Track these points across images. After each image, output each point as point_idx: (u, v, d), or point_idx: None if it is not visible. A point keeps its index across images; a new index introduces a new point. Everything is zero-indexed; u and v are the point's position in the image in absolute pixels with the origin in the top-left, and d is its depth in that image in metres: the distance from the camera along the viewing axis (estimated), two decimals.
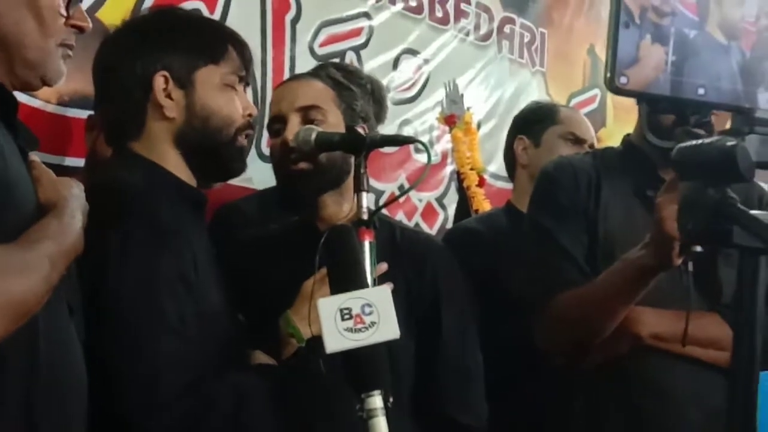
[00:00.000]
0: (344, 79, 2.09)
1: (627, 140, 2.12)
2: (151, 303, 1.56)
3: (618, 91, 1.25)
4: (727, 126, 1.36)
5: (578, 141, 2.76)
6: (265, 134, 2.88)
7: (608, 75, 1.23)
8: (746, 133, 1.29)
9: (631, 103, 1.68)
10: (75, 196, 1.40)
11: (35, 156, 1.45)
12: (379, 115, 2.23)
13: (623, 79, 1.24)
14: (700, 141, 1.28)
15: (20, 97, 1.65)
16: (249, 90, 2.79)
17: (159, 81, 1.73)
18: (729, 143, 1.23)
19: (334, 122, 1.97)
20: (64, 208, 1.36)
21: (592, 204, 2.00)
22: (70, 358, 1.41)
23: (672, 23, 1.30)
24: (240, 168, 1.85)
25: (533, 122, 2.82)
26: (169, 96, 1.74)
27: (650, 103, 1.45)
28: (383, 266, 1.88)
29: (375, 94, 2.26)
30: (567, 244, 1.97)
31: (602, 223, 1.98)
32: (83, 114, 2.29)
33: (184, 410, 1.54)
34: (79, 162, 2.27)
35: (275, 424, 1.67)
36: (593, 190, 2.01)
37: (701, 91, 1.28)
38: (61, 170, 1.86)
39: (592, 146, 2.81)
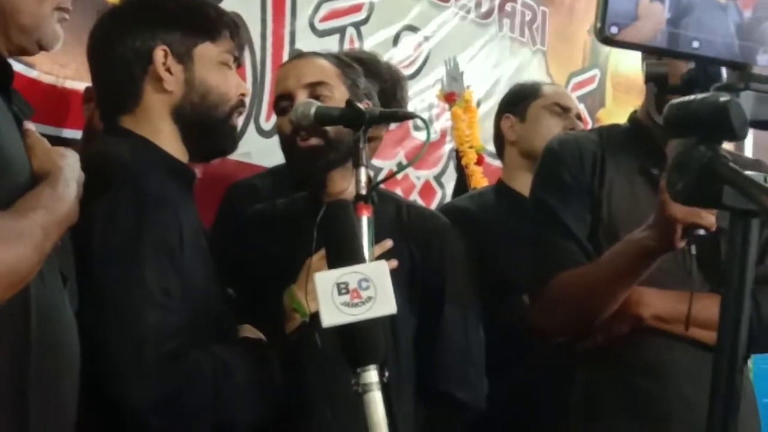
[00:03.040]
0: (346, 57, 2.10)
1: (633, 117, 2.09)
2: (134, 273, 1.57)
3: (608, 41, 1.18)
4: None
5: (564, 110, 2.76)
6: (264, 109, 2.88)
7: (598, 25, 1.16)
8: (741, 89, 1.21)
9: (629, 83, 1.67)
10: (69, 165, 1.40)
11: (30, 124, 1.44)
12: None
13: (614, 29, 1.16)
14: (692, 96, 1.22)
15: (17, 66, 1.65)
16: (248, 64, 2.81)
17: (159, 54, 1.75)
18: (722, 98, 1.17)
19: (340, 98, 1.96)
20: (58, 177, 1.36)
21: (596, 182, 1.98)
22: (62, 327, 1.40)
23: None
24: (232, 145, 1.87)
25: (517, 100, 2.83)
26: (168, 70, 1.75)
27: (648, 53, 1.38)
28: (388, 242, 1.89)
29: (396, 93, 2.26)
30: (570, 222, 1.95)
31: (606, 202, 1.96)
32: (81, 86, 2.28)
33: (165, 381, 1.55)
34: (77, 134, 2.26)
35: (259, 398, 1.69)
36: (598, 168, 1.99)
37: (696, 44, 1.21)
38: (60, 142, 1.86)
39: (578, 116, 2.81)
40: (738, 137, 1.19)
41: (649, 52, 1.31)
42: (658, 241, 1.71)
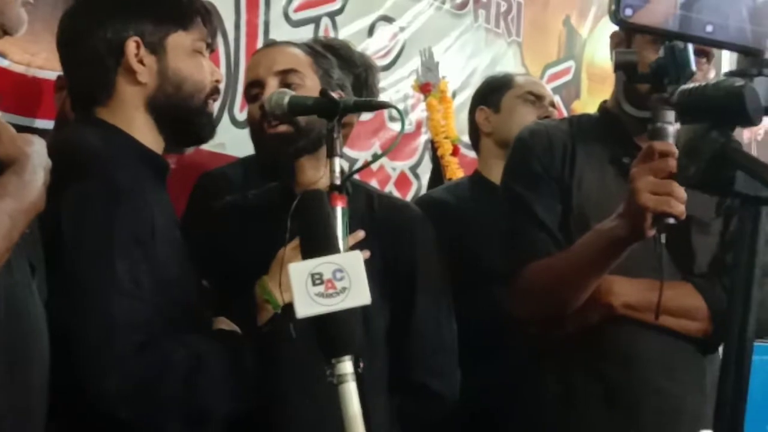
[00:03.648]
0: (321, 48, 2.09)
1: (603, 107, 2.10)
2: (103, 263, 1.56)
3: (623, 23, 1.17)
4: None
5: (538, 98, 2.77)
6: (238, 100, 2.86)
7: (612, 7, 1.15)
8: (755, 75, 1.20)
9: (604, 74, 1.67)
10: (36, 153, 1.38)
11: None
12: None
13: (628, 11, 1.15)
14: (704, 82, 1.21)
15: None
16: (222, 53, 2.79)
17: (131, 46, 1.73)
18: (737, 83, 1.16)
19: (312, 86, 1.96)
20: (24, 164, 1.33)
21: (566, 172, 1.98)
22: (30, 317, 1.39)
23: None
24: (210, 133, 1.86)
25: (490, 91, 2.84)
26: (141, 61, 1.74)
27: (661, 37, 1.35)
28: (360, 233, 1.88)
29: (368, 80, 2.26)
30: (540, 212, 1.96)
31: (576, 192, 1.97)
32: (52, 75, 2.26)
33: (137, 371, 1.54)
34: (49, 124, 2.24)
35: (232, 389, 1.68)
36: (568, 157, 1.99)
37: (709, 28, 1.19)
38: (31, 132, 1.84)
39: (552, 104, 2.82)
40: (752, 123, 1.18)
41: (662, 35, 1.29)
42: (628, 230, 1.72)
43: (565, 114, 4.13)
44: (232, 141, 2.73)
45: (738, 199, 1.18)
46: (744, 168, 1.15)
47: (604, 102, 2.11)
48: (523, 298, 1.97)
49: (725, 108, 1.17)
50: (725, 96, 1.16)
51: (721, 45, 1.23)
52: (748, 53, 1.22)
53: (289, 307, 1.73)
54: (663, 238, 1.73)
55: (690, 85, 1.24)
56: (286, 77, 1.97)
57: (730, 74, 1.21)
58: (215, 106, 1.88)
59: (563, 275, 1.88)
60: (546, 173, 1.98)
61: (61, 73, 2.11)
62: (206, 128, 1.84)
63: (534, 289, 1.93)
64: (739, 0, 1.22)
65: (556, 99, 2.92)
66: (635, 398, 1.91)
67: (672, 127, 1.64)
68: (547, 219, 1.96)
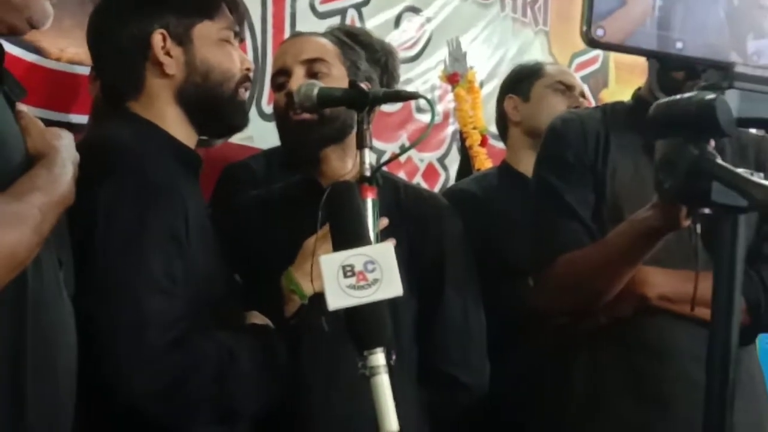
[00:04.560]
0: (348, 38, 2.08)
1: (637, 95, 2.06)
2: (138, 259, 1.55)
3: (594, 44, 1.21)
4: None
5: (568, 88, 2.75)
6: (266, 93, 2.86)
7: (583, 28, 1.19)
8: (725, 88, 1.24)
9: (633, 62, 1.66)
10: (65, 146, 1.38)
11: (23, 106, 1.42)
12: (390, 85, 2.21)
13: (599, 32, 1.19)
14: (678, 96, 1.25)
15: (16, 51, 1.64)
16: (249, 46, 2.80)
17: (157, 39, 1.73)
18: (708, 97, 1.19)
19: (338, 76, 1.96)
20: (54, 158, 1.34)
21: (600, 161, 1.95)
22: (58, 312, 1.39)
23: None
24: (242, 122, 1.85)
25: (520, 80, 2.81)
26: (168, 53, 1.74)
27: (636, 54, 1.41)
28: (384, 221, 1.87)
29: (389, 64, 2.25)
30: (573, 202, 1.93)
31: (610, 181, 1.94)
32: (81, 70, 2.28)
33: (169, 367, 1.53)
34: (82, 119, 2.26)
35: (264, 385, 1.67)
36: (601, 146, 1.96)
37: (679, 45, 1.24)
38: (64, 127, 1.85)
39: (582, 94, 2.79)
40: (725, 134, 1.21)
41: (632, 53, 1.32)
42: (662, 220, 1.69)
43: (593, 103, 4.10)
44: (260, 134, 2.73)
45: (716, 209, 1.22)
46: (719, 179, 1.19)
47: (638, 89, 2.08)
48: (555, 290, 1.95)
49: (698, 121, 1.20)
50: (697, 110, 1.20)
51: (692, 61, 1.26)
52: (718, 68, 1.25)
53: (315, 298, 1.74)
54: (698, 228, 1.71)
55: (664, 99, 1.27)
56: (312, 66, 1.97)
57: (703, 88, 1.25)
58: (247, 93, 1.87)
59: (596, 266, 1.85)
60: (579, 163, 1.96)
61: (90, 67, 2.13)
62: (238, 116, 1.83)
63: (566, 280, 1.91)
64: (707, 16, 1.25)
65: (584, 88, 2.89)
66: (668, 391, 1.88)
67: None
68: (580, 209, 1.93)
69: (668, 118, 1.24)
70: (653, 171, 1.82)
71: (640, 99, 2.04)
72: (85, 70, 2.27)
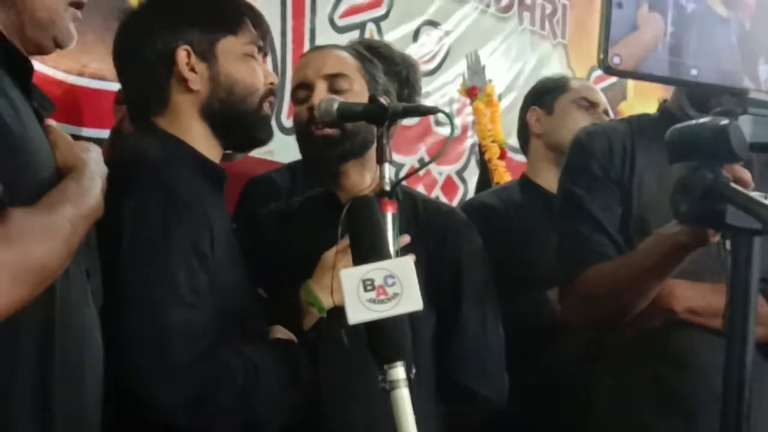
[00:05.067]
0: (368, 52, 2.09)
1: (663, 107, 2.06)
2: (163, 272, 1.57)
3: (610, 71, 1.24)
4: None
5: (592, 105, 2.74)
6: (286, 107, 2.87)
7: (601, 56, 1.23)
8: (739, 114, 1.29)
9: None
10: (93, 160, 1.40)
11: (52, 120, 1.44)
12: (411, 98, 2.21)
13: (616, 59, 1.23)
14: (693, 122, 1.29)
15: (39, 66, 1.65)
16: (269, 60, 2.81)
17: (181, 55, 1.75)
18: (722, 122, 1.23)
19: (359, 91, 1.96)
20: (82, 171, 1.36)
21: (626, 173, 1.94)
22: (85, 324, 1.40)
23: None
24: (267, 136, 1.86)
25: (544, 93, 2.81)
26: (192, 69, 1.76)
27: (650, 81, 1.45)
28: (406, 238, 1.88)
29: (410, 78, 2.25)
30: (600, 215, 1.92)
31: (637, 194, 1.93)
32: (103, 85, 2.30)
33: (193, 380, 1.54)
34: (100, 133, 2.27)
35: (288, 398, 1.68)
36: (628, 158, 1.95)
37: (694, 71, 1.28)
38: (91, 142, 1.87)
39: (606, 111, 2.78)
40: (739, 159, 1.26)
41: (649, 80, 1.36)
42: (691, 236, 1.67)
43: (612, 116, 4.09)
44: (280, 148, 2.74)
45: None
46: (734, 202, 1.23)
47: (664, 102, 2.07)
48: (583, 302, 1.93)
49: (712, 146, 1.25)
50: (711, 135, 1.25)
51: (707, 87, 1.31)
52: (733, 93, 1.30)
53: (334, 311, 1.75)
54: (728, 244, 1.70)
55: (680, 124, 1.31)
56: (334, 81, 1.98)
57: (718, 113, 1.30)
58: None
59: (624, 280, 1.84)
60: (605, 174, 1.95)
61: (116, 83, 2.15)
62: (263, 130, 1.84)
63: (594, 293, 1.90)
64: (721, 43, 1.28)
65: (608, 106, 2.88)
66: (693, 403, 1.87)
67: None
68: (607, 222, 1.92)
69: (684, 143, 1.29)
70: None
71: (666, 111, 2.03)
72: (107, 85, 2.29)
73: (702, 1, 1.30)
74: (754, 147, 1.28)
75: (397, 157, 3.19)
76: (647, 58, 1.26)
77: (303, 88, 2.01)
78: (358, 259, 1.36)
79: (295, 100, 2.05)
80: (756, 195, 1.21)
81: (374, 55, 2.12)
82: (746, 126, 1.26)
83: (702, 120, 1.27)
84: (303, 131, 2.00)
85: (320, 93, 1.95)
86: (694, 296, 1.86)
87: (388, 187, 1.71)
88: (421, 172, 3.34)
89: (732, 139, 1.22)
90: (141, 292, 1.55)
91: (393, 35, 3.28)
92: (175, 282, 1.56)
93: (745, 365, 1.23)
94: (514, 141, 3.00)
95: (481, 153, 3.36)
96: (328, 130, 1.93)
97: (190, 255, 1.60)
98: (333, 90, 1.96)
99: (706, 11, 1.30)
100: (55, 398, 1.32)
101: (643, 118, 2.10)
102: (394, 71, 2.35)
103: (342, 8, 3.14)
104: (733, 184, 1.24)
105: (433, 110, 2.09)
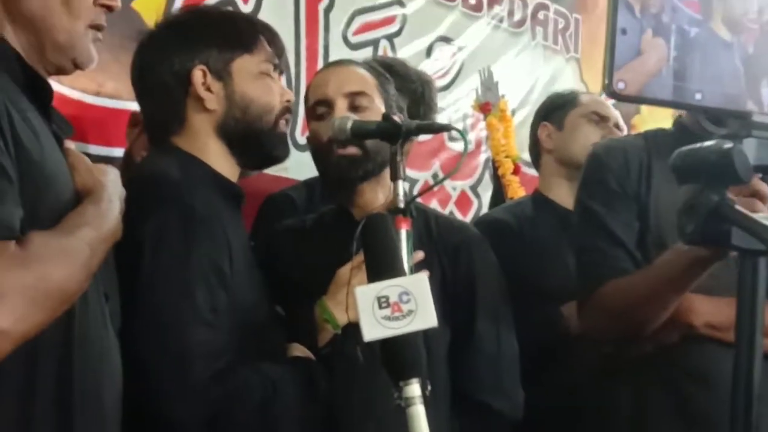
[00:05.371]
0: (383, 69, 2.10)
1: (679, 122, 2.05)
2: (183, 291, 1.58)
3: (615, 96, 1.27)
4: None
5: (602, 119, 2.74)
6: (300, 124, 2.89)
7: (605, 81, 1.26)
8: (744, 137, 1.32)
9: None
10: (112, 182, 1.41)
11: (70, 143, 1.45)
12: (427, 115, 2.21)
13: (621, 85, 1.26)
14: (698, 145, 1.31)
15: (55, 86, 1.66)
16: (283, 78, 2.83)
17: (197, 75, 1.77)
18: (726, 146, 1.26)
19: (378, 109, 1.96)
20: (101, 193, 1.37)
21: (643, 188, 1.94)
22: (104, 346, 1.41)
23: (673, 20, 1.31)
24: (284, 153, 1.88)
25: (555, 108, 2.81)
26: (208, 89, 1.77)
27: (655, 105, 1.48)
28: (419, 254, 1.88)
29: (425, 95, 2.25)
30: (617, 229, 1.92)
31: (653, 209, 1.93)
32: (119, 105, 2.31)
33: (213, 399, 1.55)
34: (107, 151, 2.29)
35: (306, 417, 1.69)
36: (644, 174, 1.95)
37: (698, 96, 1.31)
38: (101, 160, 1.88)
39: (617, 125, 2.78)
40: (743, 181, 1.29)
41: (654, 104, 1.38)
42: (709, 250, 1.68)
43: (625, 130, 4.09)
44: (294, 165, 2.74)
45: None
46: (738, 224, 1.26)
47: (679, 117, 2.07)
48: (600, 317, 1.93)
49: (717, 169, 1.28)
50: (716, 158, 1.27)
51: (711, 111, 1.33)
52: (737, 117, 1.33)
53: (349, 328, 1.75)
54: None
55: (685, 147, 1.34)
56: (355, 99, 1.97)
57: (723, 137, 1.33)
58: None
59: (643, 295, 1.84)
60: (622, 189, 1.95)
61: (131, 102, 2.16)
62: (279, 148, 1.86)
63: (612, 308, 1.89)
64: (725, 66, 1.31)
65: (619, 119, 2.88)
66: (713, 417, 1.85)
67: None
68: (625, 236, 1.92)
69: (689, 165, 1.31)
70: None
71: (682, 126, 2.03)
72: (123, 105, 2.31)
73: (705, 26, 1.32)
74: (758, 169, 1.32)
75: (410, 172, 3.19)
76: (651, 83, 1.28)
77: (323, 105, 2.00)
78: (373, 276, 1.37)
79: (313, 116, 2.03)
80: (761, 216, 1.24)
81: (389, 72, 2.13)
82: (750, 149, 1.30)
83: (707, 143, 1.29)
84: (324, 150, 1.99)
85: (341, 111, 1.95)
86: (712, 311, 1.85)
87: (402, 205, 1.71)
88: (435, 187, 3.35)
89: (736, 162, 1.25)
90: (161, 311, 1.56)
91: (406, 51, 3.29)
92: (194, 301, 1.57)
93: (751, 396, 1.31)
94: (527, 156, 3.00)
95: (495, 168, 3.36)
96: (351, 150, 1.93)
97: (210, 273, 1.61)
98: (353, 107, 1.96)
99: (709, 36, 1.32)
100: (75, 420, 1.33)
101: (659, 133, 2.10)
102: (409, 89, 2.36)
103: (355, 25, 3.15)
104: (737, 207, 1.26)
105: (447, 128, 2.09)
